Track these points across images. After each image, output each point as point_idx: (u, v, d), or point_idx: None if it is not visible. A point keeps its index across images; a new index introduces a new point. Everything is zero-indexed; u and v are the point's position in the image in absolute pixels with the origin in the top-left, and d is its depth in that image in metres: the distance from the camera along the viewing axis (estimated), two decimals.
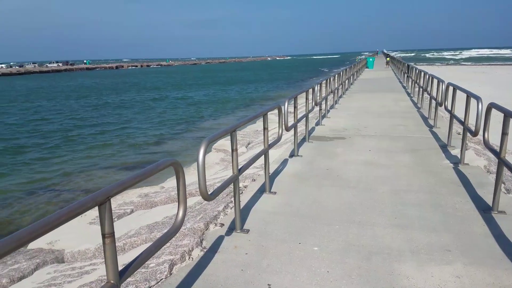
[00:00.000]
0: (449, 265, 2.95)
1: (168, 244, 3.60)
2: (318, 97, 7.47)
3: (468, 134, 5.26)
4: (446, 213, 3.86)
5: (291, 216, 3.95)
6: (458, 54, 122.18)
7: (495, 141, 4.78)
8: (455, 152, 6.04)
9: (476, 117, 4.51)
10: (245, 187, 4.90)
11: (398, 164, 5.58)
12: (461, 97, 6.07)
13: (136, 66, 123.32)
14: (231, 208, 4.23)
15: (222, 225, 3.84)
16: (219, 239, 3.53)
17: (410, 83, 15.91)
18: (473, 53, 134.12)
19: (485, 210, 3.90)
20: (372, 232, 3.54)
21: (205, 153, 2.86)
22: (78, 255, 4.40)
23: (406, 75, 17.98)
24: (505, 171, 4.62)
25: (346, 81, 15.33)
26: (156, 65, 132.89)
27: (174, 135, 15.47)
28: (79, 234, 5.46)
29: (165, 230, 3.92)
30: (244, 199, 4.42)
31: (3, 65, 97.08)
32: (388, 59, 36.37)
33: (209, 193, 2.91)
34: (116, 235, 4.56)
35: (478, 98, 4.64)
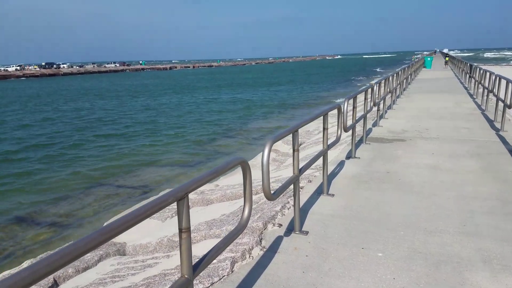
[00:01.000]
0: None
1: (221, 241, 3.66)
2: (376, 97, 7.24)
3: None
4: None
5: (351, 219, 3.85)
6: None
7: None
8: None
9: None
10: (301, 188, 4.86)
11: (463, 169, 5.26)
12: None
13: (189, 67, 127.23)
14: (288, 208, 4.21)
15: (280, 225, 3.83)
16: (278, 240, 3.52)
17: (472, 84, 14.97)
18: None
19: None
20: (439, 239, 3.36)
21: (270, 152, 2.86)
22: (139, 248, 4.60)
23: (468, 75, 16.93)
24: None
25: (404, 81, 14.74)
26: (208, 66, 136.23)
27: (227, 134, 15.74)
28: (139, 228, 5.71)
29: (231, 228, 3.99)
30: (302, 200, 4.38)
31: (65, 65, 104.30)
32: (447, 58, 34.39)
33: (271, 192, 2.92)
34: (176, 231, 4.74)
35: None
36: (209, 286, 2.86)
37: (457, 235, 3.42)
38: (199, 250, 3.75)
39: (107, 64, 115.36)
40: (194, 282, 2.88)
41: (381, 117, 8.98)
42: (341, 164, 5.65)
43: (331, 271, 2.94)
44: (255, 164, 9.89)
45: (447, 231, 3.51)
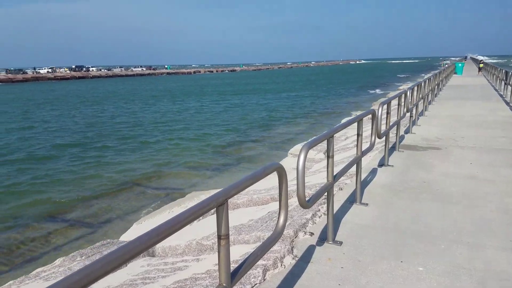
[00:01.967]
0: None
1: (259, 248, 3.56)
2: (409, 103, 7.00)
3: None
4: None
5: (387, 230, 3.68)
6: None
7: None
8: None
9: None
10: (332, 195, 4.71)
11: (505, 179, 4.98)
12: None
13: (212, 72, 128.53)
14: (319, 217, 4.07)
15: (311, 234, 3.70)
16: (311, 249, 3.39)
17: (509, 91, 14.36)
18: None
19: None
20: (483, 254, 3.15)
21: (305, 158, 2.75)
22: (168, 250, 4.55)
23: (503, 82, 16.27)
24: None
25: (436, 87, 14.31)
26: (231, 70, 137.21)
27: (254, 138, 15.70)
28: None
29: (260, 234, 3.89)
30: (334, 208, 4.23)
31: (94, 68, 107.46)
32: (481, 65, 32.72)
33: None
34: (204, 234, 4.68)
35: None
36: None
37: (502, 250, 3.21)
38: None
39: (134, 67, 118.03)
40: None
41: (413, 123, 8.70)
42: (373, 172, 5.46)
43: (368, 284, 2.79)
44: None
45: (491, 245, 3.29)
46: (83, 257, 5.11)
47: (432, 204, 4.23)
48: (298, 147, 11.09)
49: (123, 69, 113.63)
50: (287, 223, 4.01)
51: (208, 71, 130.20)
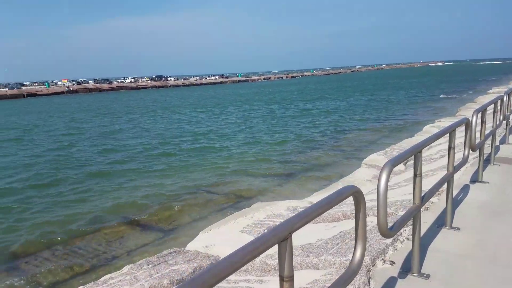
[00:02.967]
0: None
1: (329, 277, 3.15)
2: (506, 110, 6.06)
3: None
4: None
5: (485, 261, 3.06)
6: None
7: None
8: None
9: None
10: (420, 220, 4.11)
11: None
12: None
13: (282, 78, 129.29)
14: (401, 242, 3.54)
15: (392, 263, 3.19)
16: (391, 282, 2.91)
17: None
18: None
19: None
20: None
21: (388, 179, 2.31)
22: None
23: None
24: None
25: None
26: (301, 76, 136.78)
27: (324, 145, 15.15)
28: (232, 240, 5.50)
29: (331, 258, 3.46)
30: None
31: (172, 78, 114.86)
32: None
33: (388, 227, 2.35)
34: (268, 251, 4.37)
35: None
36: None
37: None
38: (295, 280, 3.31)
39: (208, 76, 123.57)
40: None
41: (510, 132, 7.57)
42: (465, 189, 4.72)
43: None
44: (352, 180, 9.13)
45: None
46: (149, 266, 5.10)
47: None
48: (373, 157, 10.34)
49: (198, 78, 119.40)
50: None
51: (278, 77, 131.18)
